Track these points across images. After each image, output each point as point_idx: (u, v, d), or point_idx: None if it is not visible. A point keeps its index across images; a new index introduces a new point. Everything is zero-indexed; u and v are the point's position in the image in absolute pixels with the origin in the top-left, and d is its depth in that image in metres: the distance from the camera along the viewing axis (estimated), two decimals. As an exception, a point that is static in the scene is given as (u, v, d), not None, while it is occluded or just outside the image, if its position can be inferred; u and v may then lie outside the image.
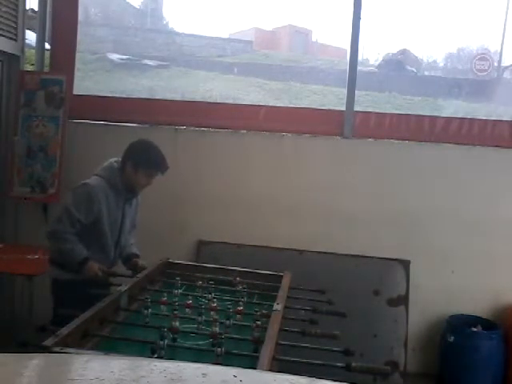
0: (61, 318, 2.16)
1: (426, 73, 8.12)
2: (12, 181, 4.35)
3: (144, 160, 2.88)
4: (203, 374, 1.04)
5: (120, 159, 2.95)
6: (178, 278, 2.79)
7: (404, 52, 7.45)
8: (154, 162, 2.89)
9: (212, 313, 2.37)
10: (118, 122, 4.41)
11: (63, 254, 2.85)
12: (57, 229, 2.83)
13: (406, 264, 4.18)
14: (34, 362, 1.13)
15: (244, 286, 2.85)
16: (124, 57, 7.56)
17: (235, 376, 1.03)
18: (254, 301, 2.72)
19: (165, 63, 7.65)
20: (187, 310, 2.45)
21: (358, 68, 4.45)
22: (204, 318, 2.29)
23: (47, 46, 4.69)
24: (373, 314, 4.00)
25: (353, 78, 4.35)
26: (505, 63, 6.50)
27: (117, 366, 1.13)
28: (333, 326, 2.45)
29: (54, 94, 4.33)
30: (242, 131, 4.45)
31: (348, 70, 4.36)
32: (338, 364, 2.02)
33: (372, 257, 4.18)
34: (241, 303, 2.49)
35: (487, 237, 4.14)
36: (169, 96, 5.76)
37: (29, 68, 4.89)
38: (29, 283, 3.66)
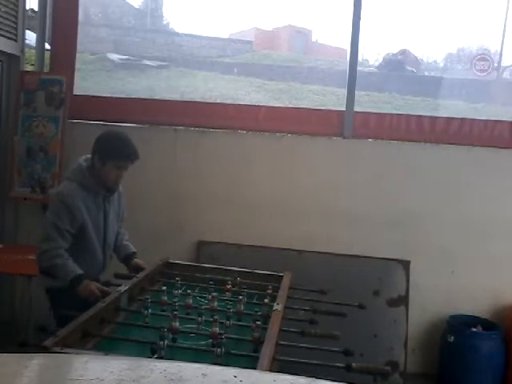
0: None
1: (426, 73, 8.10)
2: (12, 181, 4.35)
3: (109, 151, 2.72)
4: (203, 374, 1.04)
5: (89, 156, 2.81)
6: (177, 279, 2.79)
7: (404, 52, 7.44)
8: (119, 151, 2.71)
9: (212, 313, 2.37)
10: (117, 122, 4.40)
11: (55, 269, 2.65)
12: (48, 248, 2.65)
13: (405, 264, 4.18)
14: (34, 362, 1.13)
15: (244, 286, 2.85)
16: (124, 57, 7.54)
17: (235, 376, 1.03)
18: (254, 301, 2.72)
19: (165, 63, 7.64)
20: (187, 310, 2.45)
21: (358, 68, 4.45)
22: (204, 318, 2.29)
23: (47, 46, 4.69)
24: (373, 314, 4.00)
25: (353, 78, 4.35)
26: (505, 63, 6.49)
27: (117, 366, 1.12)
28: (333, 326, 2.45)
29: (54, 94, 4.33)
30: (242, 131, 4.45)
31: (348, 71, 4.36)
32: (338, 364, 2.03)
33: (372, 257, 4.18)
34: (241, 303, 2.50)
35: (487, 237, 4.14)
36: (169, 96, 5.75)
37: (29, 68, 4.89)
38: (29, 283, 3.67)
